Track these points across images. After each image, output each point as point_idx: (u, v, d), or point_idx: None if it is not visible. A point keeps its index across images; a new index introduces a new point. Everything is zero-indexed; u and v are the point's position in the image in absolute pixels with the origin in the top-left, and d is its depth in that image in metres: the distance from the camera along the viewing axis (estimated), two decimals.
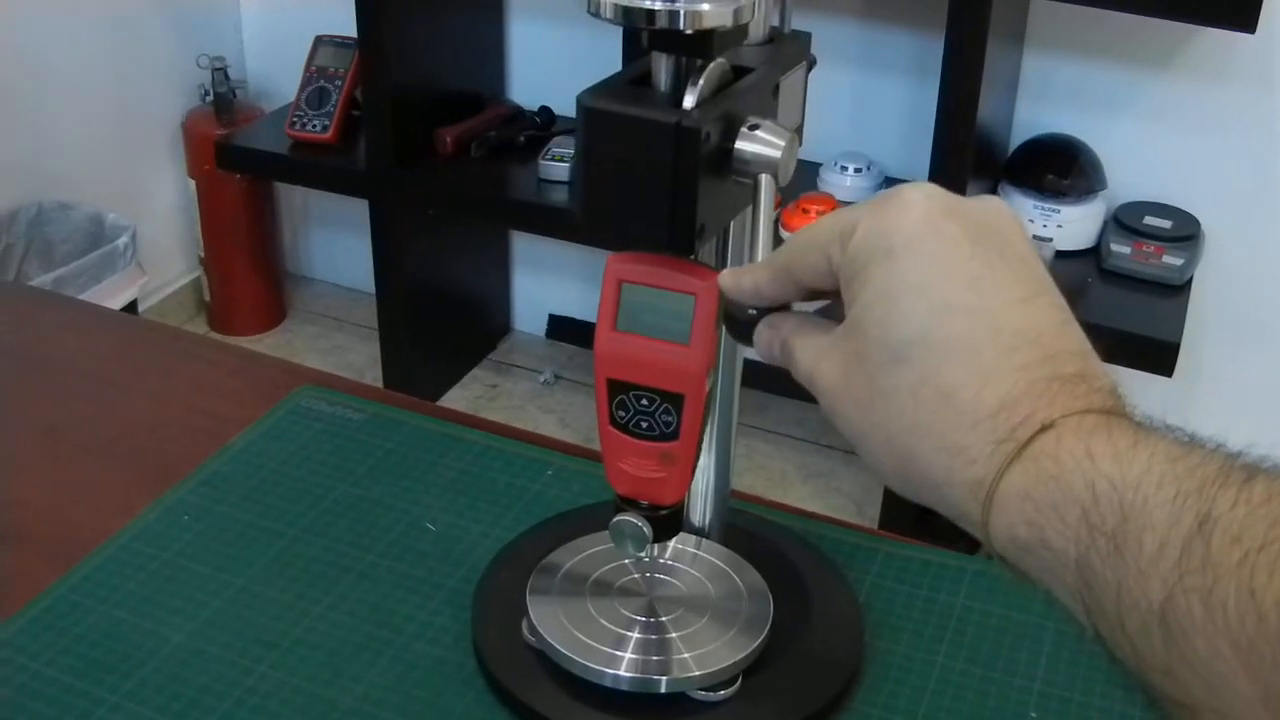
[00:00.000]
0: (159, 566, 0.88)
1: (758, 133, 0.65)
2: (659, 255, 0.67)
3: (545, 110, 2.64)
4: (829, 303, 0.62)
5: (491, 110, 2.65)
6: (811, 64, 0.75)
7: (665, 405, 0.69)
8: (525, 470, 1.00)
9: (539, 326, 3.02)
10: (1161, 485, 0.48)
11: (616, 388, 0.70)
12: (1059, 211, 2.22)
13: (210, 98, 2.79)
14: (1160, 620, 0.48)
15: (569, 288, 2.93)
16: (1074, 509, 0.50)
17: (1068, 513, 0.50)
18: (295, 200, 3.11)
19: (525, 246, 2.93)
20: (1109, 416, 0.52)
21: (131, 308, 2.53)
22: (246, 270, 2.94)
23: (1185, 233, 2.23)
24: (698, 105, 0.63)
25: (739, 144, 0.65)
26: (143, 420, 1.04)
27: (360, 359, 2.91)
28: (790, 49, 0.72)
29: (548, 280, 2.96)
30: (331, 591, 0.87)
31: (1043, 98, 2.34)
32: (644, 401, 0.70)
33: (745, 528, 0.90)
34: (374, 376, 2.77)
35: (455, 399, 2.81)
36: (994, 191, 2.32)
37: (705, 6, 0.61)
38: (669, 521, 0.75)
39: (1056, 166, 2.25)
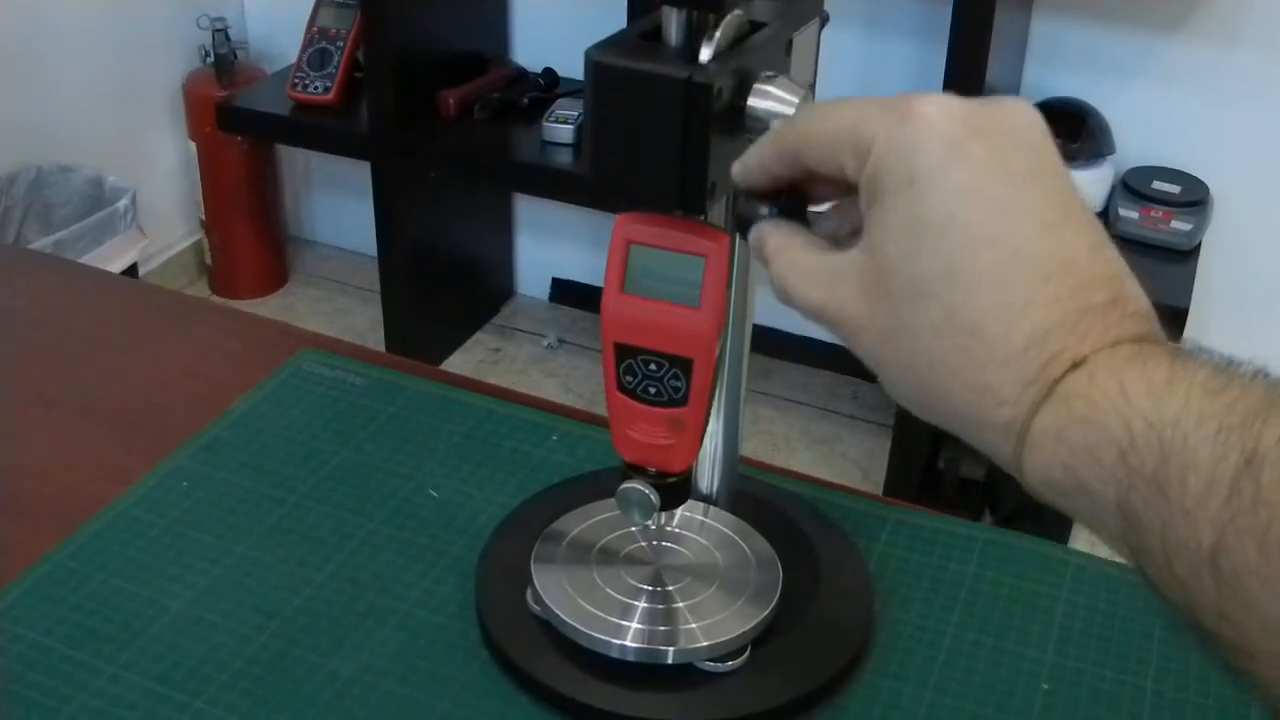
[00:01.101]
0: (158, 534, 0.87)
1: (771, 89, 0.63)
2: (668, 216, 0.65)
3: (549, 72, 2.62)
4: (839, 203, 0.60)
5: (495, 71, 2.63)
6: (825, 20, 0.73)
7: (674, 370, 0.68)
8: (529, 435, 0.98)
9: (542, 290, 3.00)
10: (1202, 421, 0.46)
11: (624, 352, 0.69)
12: None
13: (211, 59, 2.76)
14: (1211, 564, 0.45)
15: (573, 251, 2.91)
16: (1110, 450, 0.48)
17: (1104, 455, 0.48)
18: (297, 163, 3.08)
19: (528, 209, 2.91)
20: (1142, 347, 0.50)
21: (132, 271, 2.52)
22: (248, 233, 2.92)
23: (1194, 198, 2.21)
24: (712, 59, 0.61)
25: (752, 101, 0.63)
26: (142, 386, 1.03)
27: (362, 322, 2.89)
28: (804, 4, 0.70)
29: (551, 243, 2.94)
30: (333, 559, 0.86)
31: (1051, 61, 2.32)
32: (652, 366, 0.68)
33: (753, 494, 0.88)
34: (376, 340, 2.76)
35: (458, 363, 2.79)
36: None
37: None
38: (677, 489, 0.73)
39: (1064, 130, 2.22)
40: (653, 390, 0.69)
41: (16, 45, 2.47)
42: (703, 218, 0.65)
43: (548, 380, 2.75)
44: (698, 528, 0.83)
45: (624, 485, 0.73)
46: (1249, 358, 0.49)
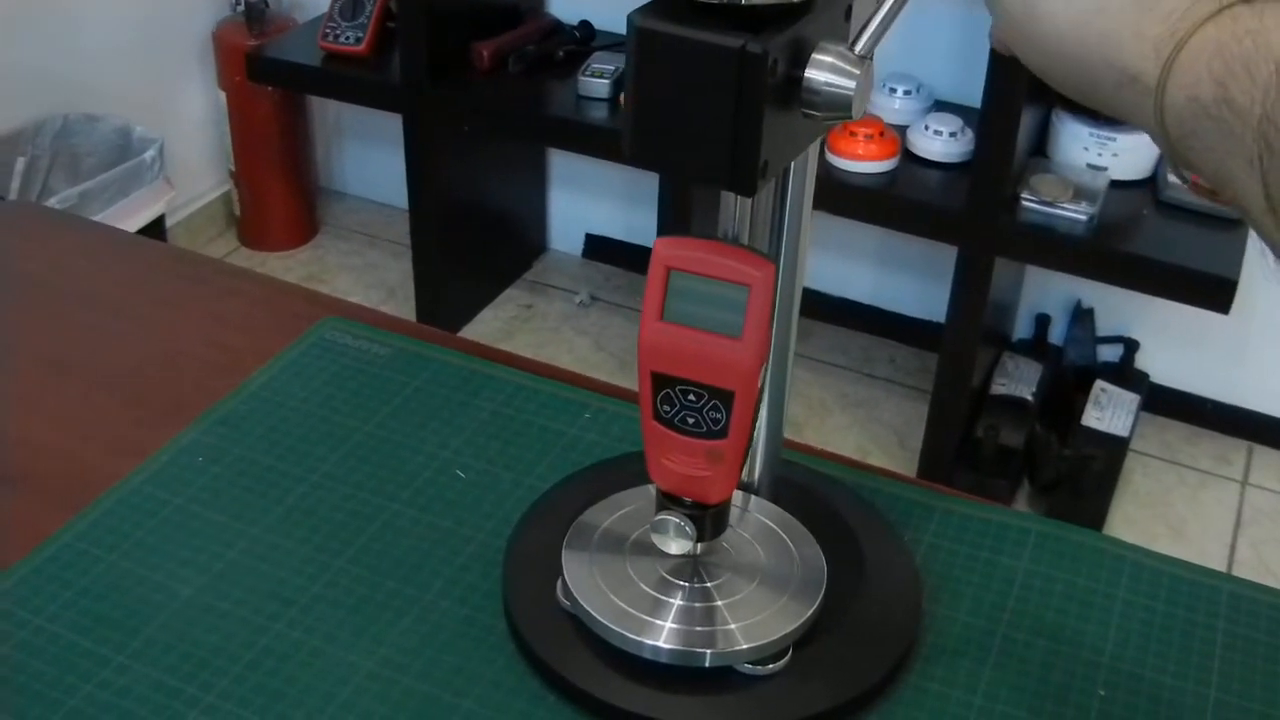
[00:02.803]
0: (170, 513, 0.83)
1: (829, 59, 0.58)
2: (709, 240, 0.61)
3: (585, 24, 2.56)
4: None
5: (530, 23, 2.57)
6: None
7: (714, 401, 0.64)
8: (561, 412, 0.94)
9: (575, 246, 2.95)
10: None
11: (662, 381, 0.65)
12: (1115, 140, 2.14)
13: (242, 7, 2.71)
14: None
15: (607, 207, 2.86)
16: (1266, 66, 0.47)
17: (1259, 70, 0.48)
18: (328, 113, 3.04)
19: (562, 164, 2.86)
20: None
21: (159, 223, 2.48)
22: (278, 184, 2.88)
23: None
24: (767, 26, 0.56)
25: (809, 73, 0.58)
26: (158, 354, 0.99)
27: (393, 276, 2.85)
28: None
29: (585, 199, 2.89)
30: (353, 544, 0.82)
31: None
32: (691, 397, 0.64)
33: (796, 481, 0.84)
34: (406, 295, 2.72)
35: (489, 319, 2.75)
36: (1047, 118, 2.24)
37: None
38: (715, 519, 0.69)
39: None
40: (691, 421, 0.65)
41: None
42: (746, 245, 0.61)
43: (579, 338, 2.71)
44: (738, 519, 0.79)
45: (659, 516, 0.69)
46: None
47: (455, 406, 0.94)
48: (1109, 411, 2.33)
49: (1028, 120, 2.07)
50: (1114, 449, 2.28)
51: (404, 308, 2.72)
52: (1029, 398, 2.34)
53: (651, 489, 0.72)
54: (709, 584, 0.74)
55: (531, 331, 2.72)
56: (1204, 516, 2.33)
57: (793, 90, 0.58)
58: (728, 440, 0.66)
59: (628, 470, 0.82)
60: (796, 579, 0.75)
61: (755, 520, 0.79)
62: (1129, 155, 2.15)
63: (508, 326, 2.73)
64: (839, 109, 0.58)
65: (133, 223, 2.39)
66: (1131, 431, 2.32)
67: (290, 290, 1.07)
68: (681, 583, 0.74)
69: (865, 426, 2.49)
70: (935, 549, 0.85)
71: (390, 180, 2.89)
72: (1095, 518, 2.24)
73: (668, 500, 0.70)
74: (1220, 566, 2.22)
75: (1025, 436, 2.31)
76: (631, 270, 2.88)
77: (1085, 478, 2.21)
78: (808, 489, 0.83)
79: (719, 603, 0.73)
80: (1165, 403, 2.51)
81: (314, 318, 1.03)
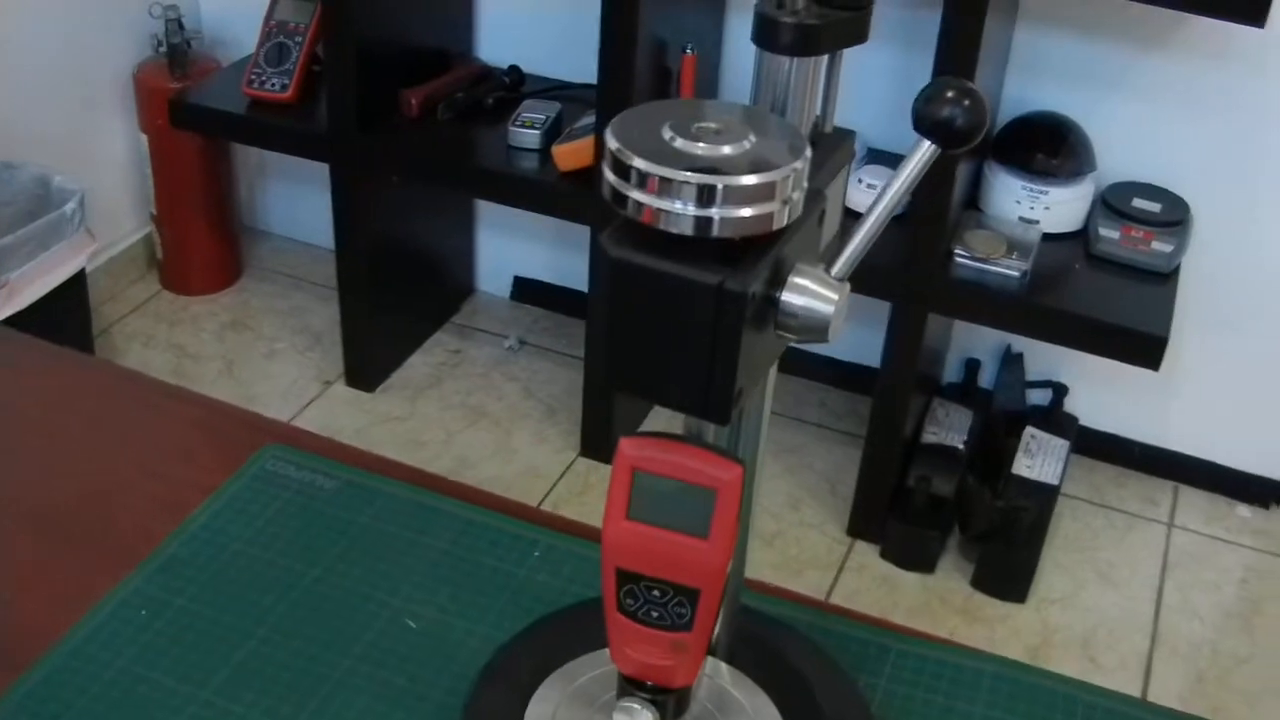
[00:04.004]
0: (114, 676, 0.81)
1: (807, 284, 0.57)
2: (674, 441, 0.60)
3: (514, 69, 2.54)
4: None
5: (458, 69, 2.55)
6: (853, 157, 0.67)
7: (679, 598, 0.63)
8: (511, 550, 0.92)
9: (503, 288, 2.93)
10: None
11: (626, 577, 0.64)
12: (1047, 193, 2.15)
13: (164, 49, 2.66)
14: None
15: (535, 249, 2.84)
16: None
17: None
18: (251, 153, 2.99)
19: (490, 205, 2.84)
20: None
21: (80, 277, 2.43)
22: (201, 227, 2.83)
23: (1174, 217, 2.17)
24: (744, 256, 0.55)
25: (786, 295, 0.57)
26: (96, 488, 0.96)
27: (319, 322, 2.81)
28: (835, 155, 0.64)
29: (513, 241, 2.87)
30: (306, 706, 0.80)
31: (1032, 73, 2.26)
32: (656, 593, 0.63)
33: (752, 632, 0.83)
34: (333, 340, 2.68)
35: (417, 365, 2.72)
36: (980, 170, 2.25)
37: (744, 212, 0.53)
38: (678, 702, 0.69)
39: (1046, 145, 2.17)
40: (655, 614, 0.64)
41: None
42: (711, 440, 0.60)
43: (509, 384, 2.69)
44: (696, 686, 0.78)
45: (623, 702, 0.68)
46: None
47: (404, 545, 0.92)
48: (1039, 459, 2.34)
49: (963, 172, 2.08)
50: (1044, 498, 2.29)
51: (331, 354, 2.69)
52: (960, 446, 2.36)
53: (607, 655, 0.70)
54: None
55: (461, 377, 2.70)
56: (1132, 560, 2.36)
57: (768, 311, 0.57)
58: (692, 634, 0.65)
59: (580, 627, 0.81)
60: None
61: (712, 685, 0.78)
62: (1061, 208, 2.16)
63: (436, 373, 2.71)
64: (815, 332, 0.57)
65: (52, 278, 2.34)
66: (1061, 478, 2.34)
67: (231, 414, 1.05)
68: None
69: (796, 475, 2.49)
70: (890, 694, 0.84)
71: (314, 219, 2.86)
72: (1026, 566, 2.26)
73: (630, 684, 0.70)
74: (1148, 610, 2.25)
75: (956, 486, 2.32)
76: (560, 313, 2.86)
77: (1016, 529, 2.22)
78: (763, 642, 0.83)
79: None
80: (1093, 445, 2.54)
81: (255, 444, 1.00)
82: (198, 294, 2.88)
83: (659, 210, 0.53)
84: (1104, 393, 2.50)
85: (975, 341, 2.55)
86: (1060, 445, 2.39)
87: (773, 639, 0.84)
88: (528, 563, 0.91)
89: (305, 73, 2.49)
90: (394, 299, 2.67)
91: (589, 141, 2.22)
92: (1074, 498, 2.47)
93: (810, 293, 0.57)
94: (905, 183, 0.59)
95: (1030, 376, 2.53)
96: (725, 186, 0.53)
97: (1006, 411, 2.48)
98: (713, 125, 0.56)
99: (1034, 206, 2.16)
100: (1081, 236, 2.19)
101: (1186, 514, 2.47)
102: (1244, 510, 2.48)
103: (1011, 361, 2.51)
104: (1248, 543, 2.41)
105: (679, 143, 0.55)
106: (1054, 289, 2.09)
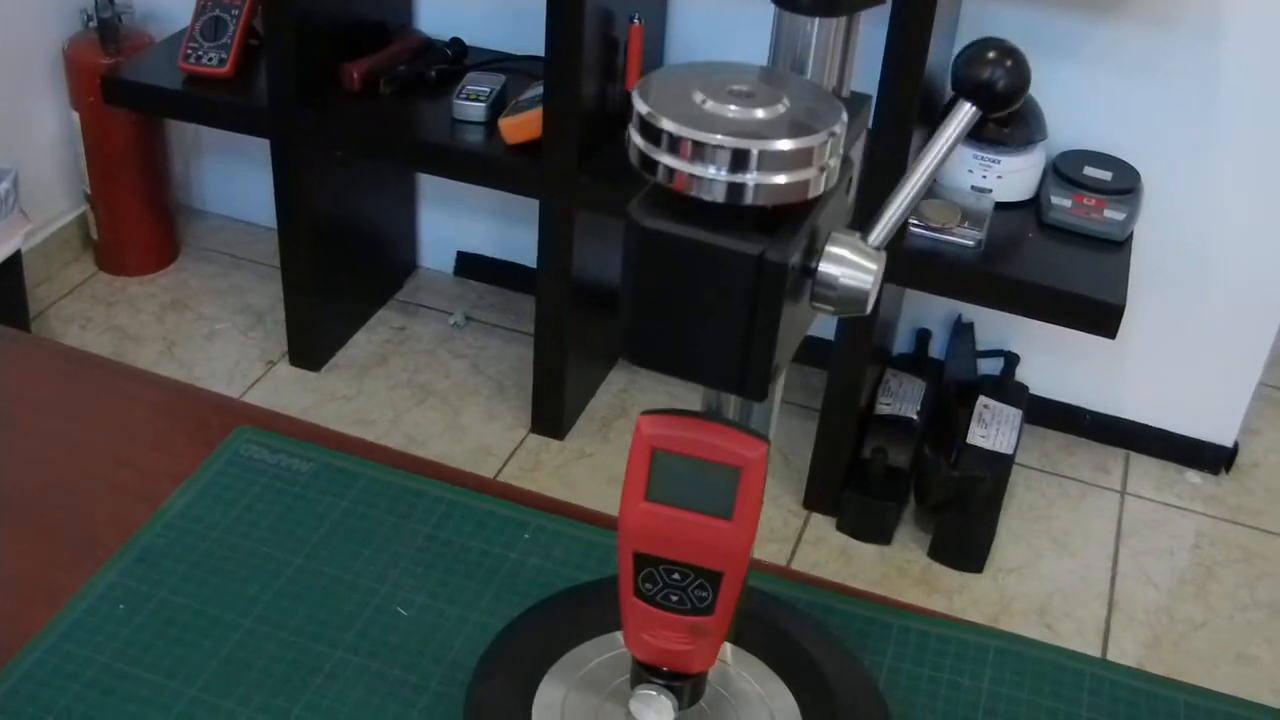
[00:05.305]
0: (94, 675, 0.77)
1: (844, 253, 0.54)
2: (695, 419, 0.57)
3: (457, 41, 2.50)
4: None
5: (399, 41, 2.50)
6: (868, 124, 0.65)
7: (700, 581, 0.61)
8: (499, 533, 0.90)
9: (447, 264, 2.89)
10: None
11: (645, 560, 0.61)
12: (999, 162, 2.14)
13: (94, 23, 2.59)
14: None
15: (478, 224, 2.80)
16: None
17: None
18: (188, 129, 2.93)
19: (432, 180, 2.79)
20: None
21: (15, 259, 2.36)
22: (136, 205, 2.76)
23: (1125, 185, 2.16)
24: (782, 225, 0.52)
25: (823, 266, 0.54)
26: (63, 478, 0.92)
27: (261, 300, 2.76)
28: (855, 120, 0.61)
29: (456, 216, 2.82)
30: (299, 699, 0.77)
31: None
32: (676, 576, 0.61)
33: (758, 614, 0.81)
34: (276, 319, 2.64)
35: (362, 343, 2.68)
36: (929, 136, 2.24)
37: (780, 179, 0.51)
38: (694, 688, 0.66)
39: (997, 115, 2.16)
40: (674, 598, 0.62)
41: None
42: (732, 417, 0.58)
43: (456, 361, 2.65)
44: (712, 672, 0.76)
45: (640, 690, 0.66)
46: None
47: (388, 530, 0.89)
48: (993, 429, 2.34)
49: (916, 142, 2.07)
50: (1000, 467, 2.29)
51: (274, 333, 2.64)
52: (914, 416, 2.35)
53: (618, 639, 0.68)
54: None
55: (406, 355, 2.66)
56: (1086, 528, 2.36)
57: (805, 283, 0.54)
58: (713, 617, 0.63)
59: (579, 613, 0.79)
60: None
61: (721, 668, 0.76)
62: (1013, 177, 2.15)
63: (382, 351, 2.66)
64: (853, 304, 0.54)
65: None
66: (1015, 448, 2.34)
67: (201, 397, 1.01)
68: None
69: None
70: (896, 671, 0.83)
71: (253, 196, 2.81)
72: (983, 536, 2.26)
73: (645, 671, 0.67)
74: (1104, 578, 2.25)
75: (911, 456, 2.31)
76: (505, 288, 2.83)
77: (973, 499, 2.22)
78: (771, 624, 0.80)
79: None
80: (1044, 414, 2.54)
81: (225, 426, 0.97)
82: (135, 274, 2.82)
83: (692, 177, 0.51)
84: (1054, 362, 2.50)
85: (925, 311, 2.54)
86: (1014, 414, 2.39)
87: (780, 621, 0.82)
88: (518, 545, 0.89)
89: (243, 47, 2.43)
90: (337, 276, 2.62)
91: (536, 114, 2.18)
92: (1027, 467, 2.47)
93: (849, 263, 0.54)
94: (944, 147, 0.56)
95: (980, 346, 2.52)
96: (762, 152, 0.50)
97: (958, 381, 2.47)
98: (744, 88, 0.53)
99: (986, 175, 2.15)
100: (1033, 205, 2.18)
101: (1138, 481, 2.47)
102: (1194, 476, 2.49)
103: (962, 331, 2.51)
104: (1199, 509, 2.43)
105: (710, 105, 0.52)
106: (1009, 258, 2.08)
